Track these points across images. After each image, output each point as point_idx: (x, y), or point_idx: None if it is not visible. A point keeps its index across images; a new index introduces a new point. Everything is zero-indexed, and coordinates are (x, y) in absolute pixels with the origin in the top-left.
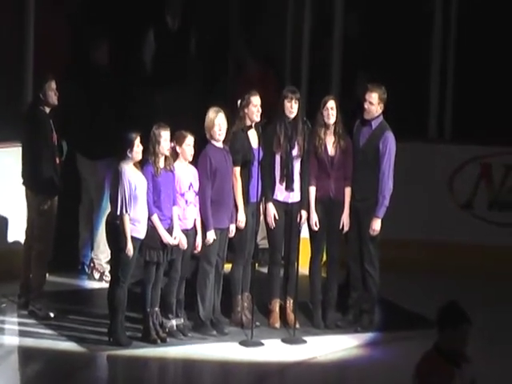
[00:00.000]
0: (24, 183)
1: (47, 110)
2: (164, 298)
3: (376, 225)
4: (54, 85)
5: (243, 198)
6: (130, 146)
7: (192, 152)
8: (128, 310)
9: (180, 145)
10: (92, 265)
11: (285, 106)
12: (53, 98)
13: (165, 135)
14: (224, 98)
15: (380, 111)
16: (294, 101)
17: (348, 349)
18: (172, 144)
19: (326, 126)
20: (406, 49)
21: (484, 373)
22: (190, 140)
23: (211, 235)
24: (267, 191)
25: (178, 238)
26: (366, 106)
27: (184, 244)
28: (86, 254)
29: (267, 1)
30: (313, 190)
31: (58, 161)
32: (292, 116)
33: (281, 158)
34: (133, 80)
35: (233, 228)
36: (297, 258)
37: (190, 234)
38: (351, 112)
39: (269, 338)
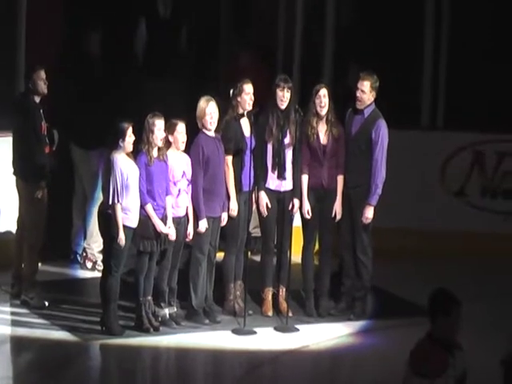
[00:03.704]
0: (14, 173)
1: (37, 99)
2: (156, 286)
3: (369, 212)
4: (43, 74)
5: (235, 186)
6: (122, 135)
7: (184, 139)
8: (121, 299)
9: (171, 133)
10: (84, 254)
11: (277, 95)
12: (42, 87)
13: (159, 124)
14: (216, 86)
15: (372, 99)
16: (286, 90)
17: (341, 337)
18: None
19: (318, 115)
20: (398, 36)
21: (479, 361)
22: (181, 127)
23: (203, 224)
24: (259, 180)
25: (172, 227)
26: (359, 94)
27: (173, 235)
28: (79, 243)
29: None
30: (305, 178)
31: (48, 150)
32: (284, 105)
33: (273, 146)
34: (124, 69)
35: (225, 217)
36: (289, 247)
37: (182, 222)
38: (343, 100)
39: (261, 327)
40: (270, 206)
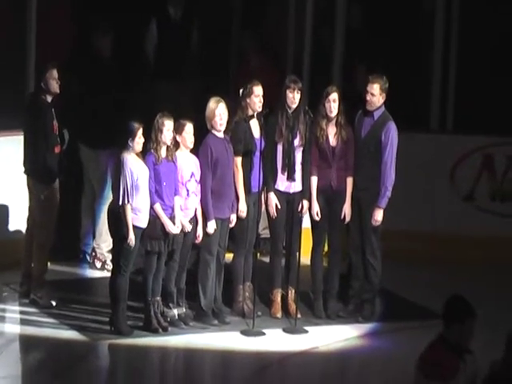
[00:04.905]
0: (25, 172)
1: (49, 98)
2: (164, 287)
3: (378, 215)
4: (55, 73)
5: (244, 187)
6: (132, 135)
7: (192, 139)
8: (129, 299)
9: (180, 133)
10: (94, 254)
11: (287, 96)
12: (54, 86)
13: (168, 125)
14: (226, 88)
15: (382, 102)
16: (296, 91)
17: (349, 339)
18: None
19: (328, 117)
20: (407, 39)
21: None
22: (189, 128)
23: (212, 225)
24: (269, 181)
25: (180, 227)
26: (368, 97)
27: (188, 227)
28: (88, 242)
29: None
30: (314, 179)
31: (58, 149)
32: (294, 106)
33: (283, 147)
34: (135, 70)
35: (234, 218)
36: (298, 248)
37: (190, 223)
38: (352, 102)
39: (270, 328)
40: (279, 207)
